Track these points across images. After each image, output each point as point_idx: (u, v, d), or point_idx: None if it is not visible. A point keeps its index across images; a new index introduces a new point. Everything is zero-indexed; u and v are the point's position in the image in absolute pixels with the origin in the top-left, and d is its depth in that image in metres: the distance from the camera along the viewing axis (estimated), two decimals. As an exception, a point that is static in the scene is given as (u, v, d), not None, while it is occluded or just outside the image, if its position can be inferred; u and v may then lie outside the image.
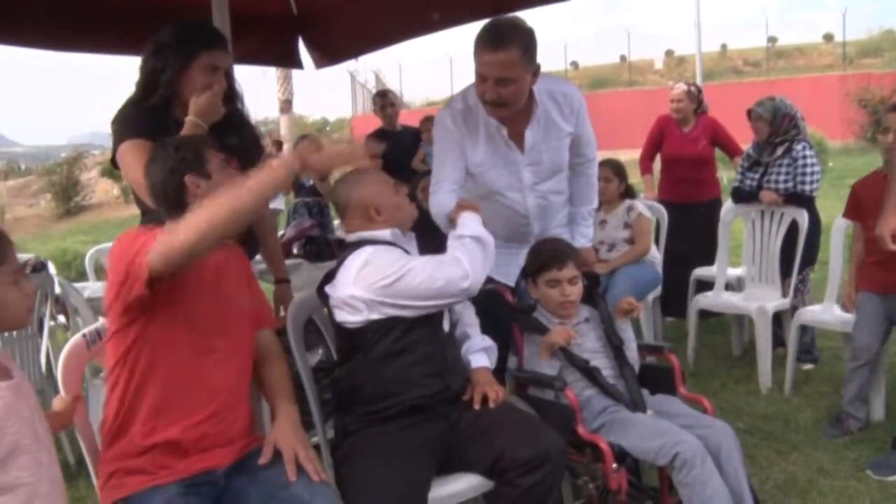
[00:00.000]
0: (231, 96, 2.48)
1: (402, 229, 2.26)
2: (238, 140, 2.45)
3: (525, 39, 2.38)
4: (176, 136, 2.08)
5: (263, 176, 1.72)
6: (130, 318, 1.80)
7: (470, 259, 2.08)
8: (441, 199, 2.52)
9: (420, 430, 2.04)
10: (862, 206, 3.37)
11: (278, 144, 5.95)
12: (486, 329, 2.41)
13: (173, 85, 2.31)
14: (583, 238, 2.87)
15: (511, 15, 2.47)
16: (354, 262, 2.10)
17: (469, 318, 2.36)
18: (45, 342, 3.73)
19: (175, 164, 1.90)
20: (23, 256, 4.76)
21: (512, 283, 2.80)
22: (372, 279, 2.05)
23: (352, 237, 2.24)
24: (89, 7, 3.25)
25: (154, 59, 2.32)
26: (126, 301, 1.75)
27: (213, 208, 1.66)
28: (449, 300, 2.10)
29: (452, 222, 2.28)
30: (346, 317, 2.11)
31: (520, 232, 2.78)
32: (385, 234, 2.20)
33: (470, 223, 2.21)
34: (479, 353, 2.30)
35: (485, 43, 2.37)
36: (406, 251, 2.19)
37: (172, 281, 1.74)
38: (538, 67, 2.47)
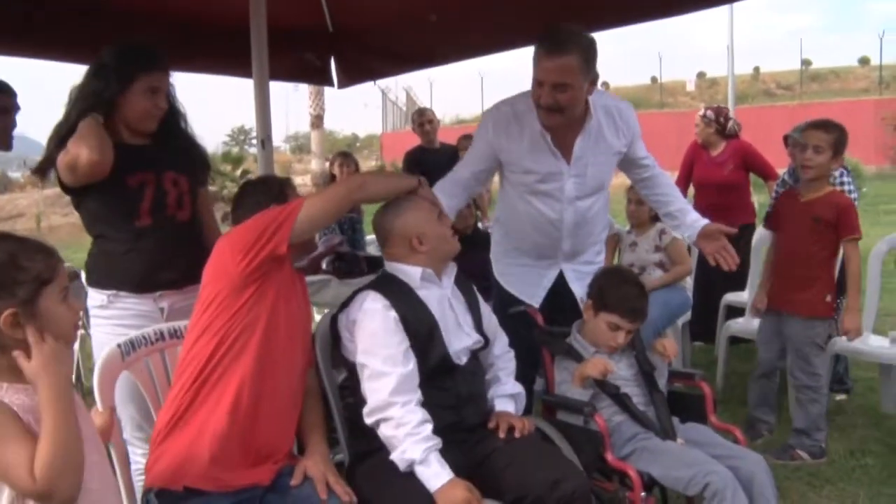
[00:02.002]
0: (173, 116, 2.52)
1: (443, 262, 2.23)
2: (183, 158, 2.51)
3: (585, 47, 2.38)
4: (267, 176, 2.46)
5: (397, 178, 2.41)
6: (248, 283, 1.90)
7: (385, 436, 1.97)
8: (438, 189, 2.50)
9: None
10: (777, 218, 3.52)
11: (343, 155, 6.07)
12: (514, 350, 2.40)
13: (113, 106, 2.35)
14: (701, 219, 2.81)
15: (574, 24, 2.45)
16: (364, 318, 2.06)
17: (505, 364, 2.35)
18: (76, 350, 3.79)
19: (262, 198, 2.16)
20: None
21: (536, 304, 2.76)
22: (359, 347, 2.06)
23: (388, 267, 2.24)
24: (122, 22, 3.30)
25: (94, 81, 2.35)
26: (255, 260, 1.88)
27: (353, 185, 2.15)
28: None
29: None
30: (347, 351, 2.13)
31: (550, 247, 2.74)
32: (415, 273, 2.16)
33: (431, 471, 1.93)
34: (507, 398, 2.27)
35: (544, 47, 2.36)
36: (426, 318, 2.12)
37: (283, 268, 1.97)
38: (596, 77, 2.46)
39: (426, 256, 2.18)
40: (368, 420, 2.01)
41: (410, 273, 2.16)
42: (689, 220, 2.79)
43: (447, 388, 2.11)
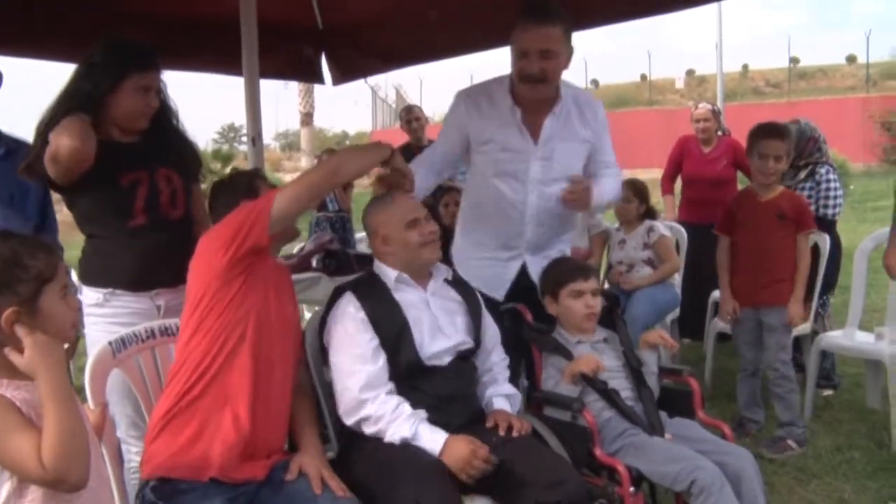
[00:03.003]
0: (164, 113, 2.49)
1: (413, 267, 2.24)
2: (175, 155, 2.49)
3: (566, 19, 2.49)
4: (235, 172, 2.38)
5: (371, 150, 2.20)
6: (233, 277, 1.92)
7: (369, 434, 2.04)
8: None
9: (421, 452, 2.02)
10: (734, 221, 3.57)
11: (331, 152, 6.14)
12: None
13: (103, 104, 2.32)
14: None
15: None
16: (336, 319, 2.16)
17: (502, 369, 2.38)
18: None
19: (231, 197, 2.17)
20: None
21: (500, 297, 2.75)
22: (331, 348, 2.14)
23: (374, 265, 2.30)
24: (110, 20, 3.28)
25: (83, 80, 2.32)
26: (238, 253, 1.90)
27: (327, 168, 2.12)
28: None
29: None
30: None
31: (513, 235, 2.71)
32: (391, 275, 2.22)
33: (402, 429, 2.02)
34: (502, 398, 2.30)
35: (530, 17, 2.46)
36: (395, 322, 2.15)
37: (266, 262, 2.01)
38: (572, 52, 2.56)
39: (395, 258, 2.23)
40: (348, 421, 2.07)
41: (388, 274, 2.23)
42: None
43: (425, 389, 2.12)
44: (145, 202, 2.37)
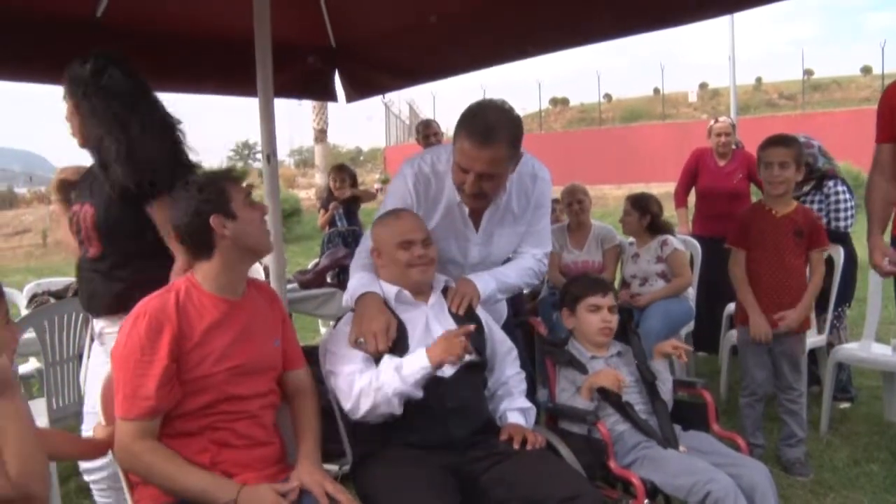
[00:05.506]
0: (95, 140, 2.47)
1: (408, 284, 2.24)
2: (95, 186, 2.37)
3: (513, 132, 2.24)
4: (199, 176, 1.97)
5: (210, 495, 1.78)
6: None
7: (372, 404, 2.05)
8: (357, 279, 2.33)
9: (432, 462, 2.04)
10: (748, 235, 3.43)
11: (338, 168, 6.28)
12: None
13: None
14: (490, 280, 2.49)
15: (499, 100, 2.29)
16: (336, 338, 2.21)
17: (517, 383, 2.37)
18: (84, 365, 3.81)
19: (199, 206, 1.87)
20: (64, 280, 4.87)
21: None
22: (327, 364, 2.18)
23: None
24: (125, 47, 3.33)
25: None
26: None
27: (168, 482, 1.80)
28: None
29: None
30: None
31: None
32: (390, 291, 2.23)
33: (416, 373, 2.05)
34: (517, 412, 2.29)
35: (471, 136, 2.19)
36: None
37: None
38: (520, 157, 2.34)
39: (388, 272, 2.27)
40: (356, 413, 2.07)
41: (388, 291, 2.25)
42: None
43: (429, 401, 2.10)
44: (77, 239, 2.43)
